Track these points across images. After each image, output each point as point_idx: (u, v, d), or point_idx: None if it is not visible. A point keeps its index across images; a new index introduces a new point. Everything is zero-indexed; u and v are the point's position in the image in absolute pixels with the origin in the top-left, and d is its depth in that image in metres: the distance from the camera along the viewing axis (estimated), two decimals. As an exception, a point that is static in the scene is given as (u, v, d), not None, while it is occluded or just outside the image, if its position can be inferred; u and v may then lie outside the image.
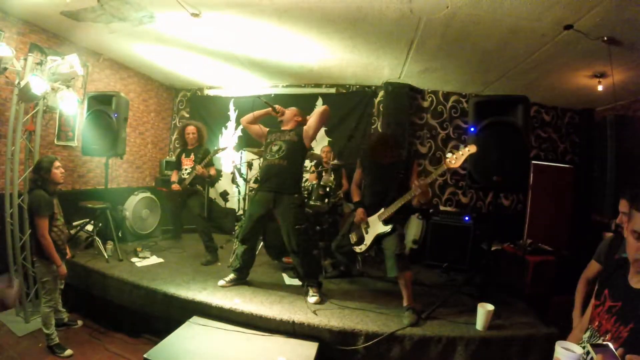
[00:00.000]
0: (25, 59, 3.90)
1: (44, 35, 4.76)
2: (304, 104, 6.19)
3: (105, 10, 4.06)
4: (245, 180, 5.61)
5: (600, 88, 4.76)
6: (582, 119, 6.32)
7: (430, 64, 5.18)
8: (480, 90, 6.06)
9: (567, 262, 4.38)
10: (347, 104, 6.65)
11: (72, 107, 4.17)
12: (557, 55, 4.21)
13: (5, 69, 3.70)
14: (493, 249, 4.42)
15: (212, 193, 7.12)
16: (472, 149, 3.06)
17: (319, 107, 3.96)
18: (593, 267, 2.73)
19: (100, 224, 4.87)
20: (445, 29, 3.99)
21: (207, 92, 7.66)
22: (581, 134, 6.34)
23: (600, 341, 1.37)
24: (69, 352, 3.34)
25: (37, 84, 3.67)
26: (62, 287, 3.63)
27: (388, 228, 3.45)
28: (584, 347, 1.39)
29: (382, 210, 3.48)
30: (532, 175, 5.18)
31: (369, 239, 3.60)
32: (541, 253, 4.49)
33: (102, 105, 4.71)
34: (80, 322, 3.93)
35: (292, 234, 3.68)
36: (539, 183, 5.36)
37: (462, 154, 3.06)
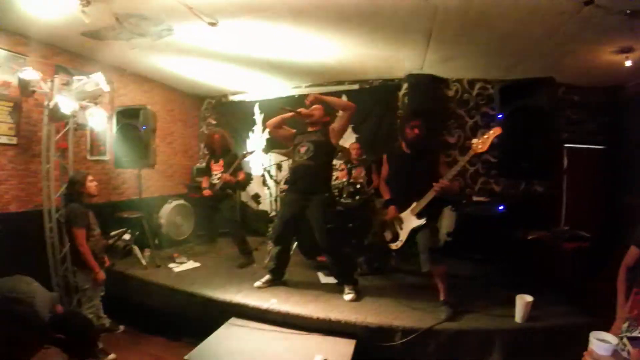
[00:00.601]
0: (52, 81, 4.06)
1: (67, 56, 4.93)
2: (328, 102, 6.19)
3: (124, 28, 4.15)
4: (275, 182, 5.66)
5: (628, 63, 4.55)
6: (612, 97, 6.04)
7: (451, 52, 5.08)
8: (504, 74, 5.89)
9: (604, 247, 4.23)
10: (371, 99, 6.59)
11: (101, 123, 4.34)
12: (579, 33, 4.03)
13: (34, 91, 3.87)
14: (529, 237, 4.31)
15: (244, 196, 7.21)
16: (496, 130, 3.04)
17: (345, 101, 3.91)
18: (633, 253, 2.63)
19: (137, 233, 5.03)
20: (462, 15, 3.89)
21: (231, 97, 7.76)
22: (611, 112, 6.07)
23: (638, 331, 1.33)
24: (112, 356, 3.46)
25: (66, 103, 3.83)
26: (103, 293, 3.76)
27: (422, 222, 3.40)
28: (621, 339, 1.35)
29: (414, 204, 3.44)
30: (565, 159, 5.01)
31: (403, 235, 3.55)
32: (578, 240, 4.32)
33: (130, 119, 4.83)
34: (121, 327, 4.04)
35: (323, 233, 3.69)
36: (572, 167, 5.18)
37: (488, 137, 3.03)
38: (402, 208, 3.55)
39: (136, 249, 4.78)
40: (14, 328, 1.67)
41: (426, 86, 6.12)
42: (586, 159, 5.36)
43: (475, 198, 6.10)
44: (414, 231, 3.46)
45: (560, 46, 4.45)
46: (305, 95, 6.59)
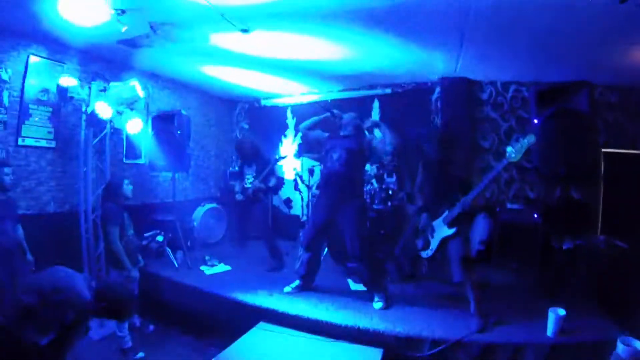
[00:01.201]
0: (90, 87, 4.23)
1: (104, 63, 5.06)
2: (361, 107, 6.19)
3: (159, 35, 4.23)
4: (307, 186, 5.68)
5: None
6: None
7: (485, 53, 4.94)
8: (540, 76, 5.72)
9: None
10: (404, 104, 6.51)
11: (137, 128, 4.45)
12: (616, 31, 3.84)
13: (72, 97, 4.04)
14: (564, 247, 4.15)
15: (276, 200, 7.25)
16: (530, 139, 2.95)
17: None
18: None
19: (170, 235, 5.14)
20: (495, 14, 3.78)
21: (264, 102, 7.82)
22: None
23: None
24: (141, 354, 3.55)
25: (103, 109, 3.99)
26: (135, 293, 3.87)
27: (453, 231, 3.34)
28: None
29: (446, 213, 3.38)
30: (603, 164, 4.77)
31: (434, 243, 3.50)
32: (616, 250, 4.13)
33: (165, 124, 4.96)
34: (151, 327, 4.13)
35: (354, 239, 3.68)
36: (610, 173, 4.93)
37: (522, 146, 2.95)
38: (435, 216, 3.49)
39: (169, 251, 4.89)
40: (64, 313, 1.76)
41: (459, 89, 5.99)
42: (624, 164, 5.07)
43: (509, 205, 5.92)
44: (446, 239, 3.39)
45: (598, 45, 4.23)
46: (338, 100, 6.68)
